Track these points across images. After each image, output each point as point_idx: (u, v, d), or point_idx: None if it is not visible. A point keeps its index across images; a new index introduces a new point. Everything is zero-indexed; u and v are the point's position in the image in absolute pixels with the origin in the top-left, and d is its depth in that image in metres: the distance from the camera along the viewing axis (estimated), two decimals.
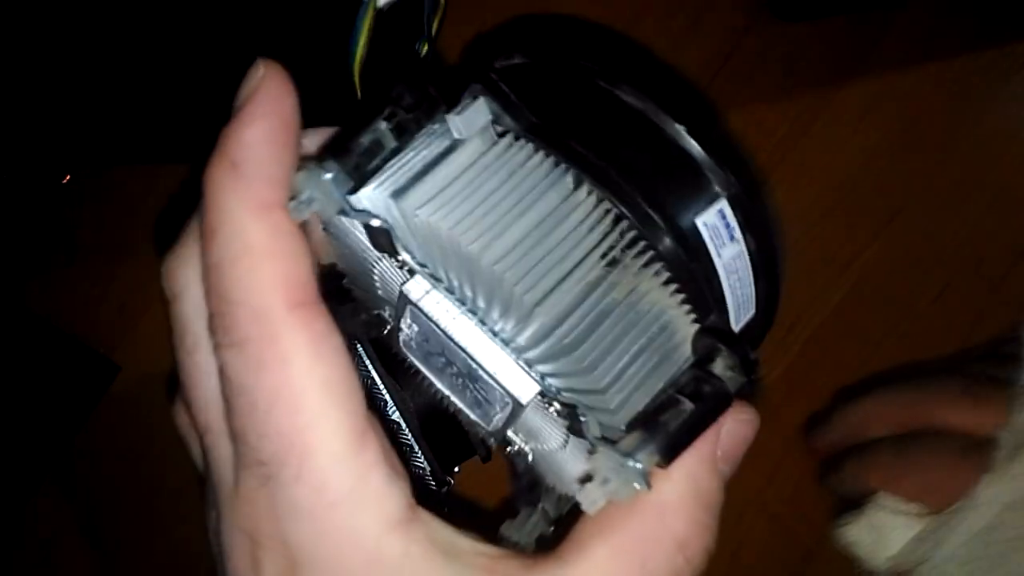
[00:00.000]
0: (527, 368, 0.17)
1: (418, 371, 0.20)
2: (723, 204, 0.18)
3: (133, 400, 0.42)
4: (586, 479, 0.16)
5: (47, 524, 0.42)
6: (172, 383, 0.19)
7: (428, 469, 0.23)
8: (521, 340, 0.17)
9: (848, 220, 0.44)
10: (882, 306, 0.44)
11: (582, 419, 0.16)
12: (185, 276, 0.17)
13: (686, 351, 0.18)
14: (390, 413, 0.22)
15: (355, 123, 0.18)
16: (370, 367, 0.23)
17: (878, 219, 0.44)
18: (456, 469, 0.25)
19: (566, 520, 0.20)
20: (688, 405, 0.16)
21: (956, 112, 0.44)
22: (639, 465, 0.15)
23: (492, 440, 0.20)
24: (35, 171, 0.40)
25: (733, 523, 0.45)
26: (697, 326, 0.18)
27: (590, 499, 0.16)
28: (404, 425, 0.23)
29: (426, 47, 0.32)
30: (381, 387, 0.23)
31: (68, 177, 0.41)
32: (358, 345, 0.23)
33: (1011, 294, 0.44)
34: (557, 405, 0.17)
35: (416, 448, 0.23)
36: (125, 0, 0.35)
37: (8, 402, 0.40)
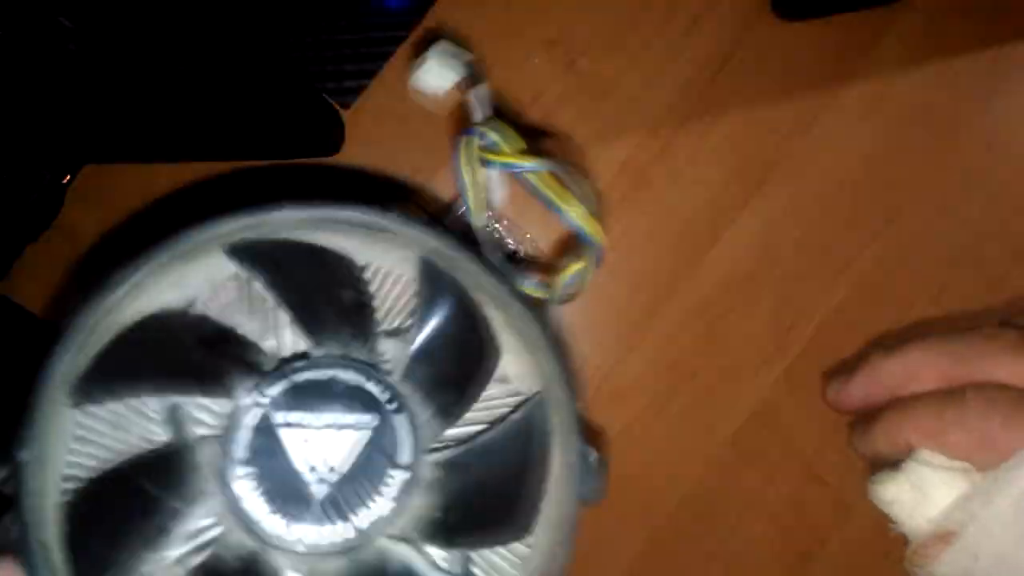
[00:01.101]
0: None
1: None
2: None
3: None
4: None
5: None
6: None
7: None
8: None
9: (848, 220, 0.44)
10: (882, 306, 0.44)
11: None
12: None
13: None
14: None
15: None
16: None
17: (878, 219, 0.44)
18: None
19: None
20: None
21: (956, 112, 0.44)
22: None
23: None
24: (34, 171, 0.40)
25: (733, 523, 0.45)
26: None
27: None
28: None
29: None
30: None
31: (68, 177, 0.41)
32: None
33: (1011, 294, 0.44)
34: None
35: None
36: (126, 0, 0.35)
37: (7, 402, 0.40)
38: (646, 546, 0.45)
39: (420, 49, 0.41)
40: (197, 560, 0.17)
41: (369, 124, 0.43)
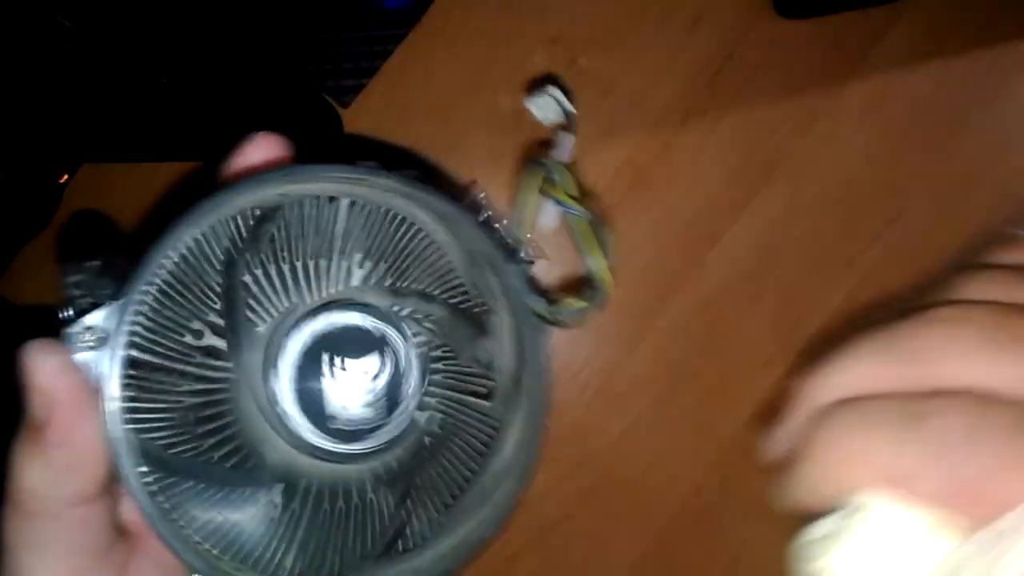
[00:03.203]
0: None
1: None
2: None
3: None
4: None
5: None
6: None
7: None
8: None
9: (848, 220, 0.44)
10: (882, 306, 0.44)
11: None
12: None
13: None
14: None
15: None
16: None
17: (878, 219, 0.44)
18: None
19: None
20: None
21: (956, 112, 0.44)
22: None
23: None
24: (34, 171, 0.40)
25: (735, 524, 0.45)
26: None
27: None
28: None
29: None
30: None
31: (67, 177, 0.41)
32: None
33: None
34: None
35: None
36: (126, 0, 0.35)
37: (6, 400, 0.40)
38: (648, 547, 0.45)
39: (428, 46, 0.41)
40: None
41: (368, 123, 0.43)
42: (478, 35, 0.43)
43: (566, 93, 0.35)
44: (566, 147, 0.33)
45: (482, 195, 0.22)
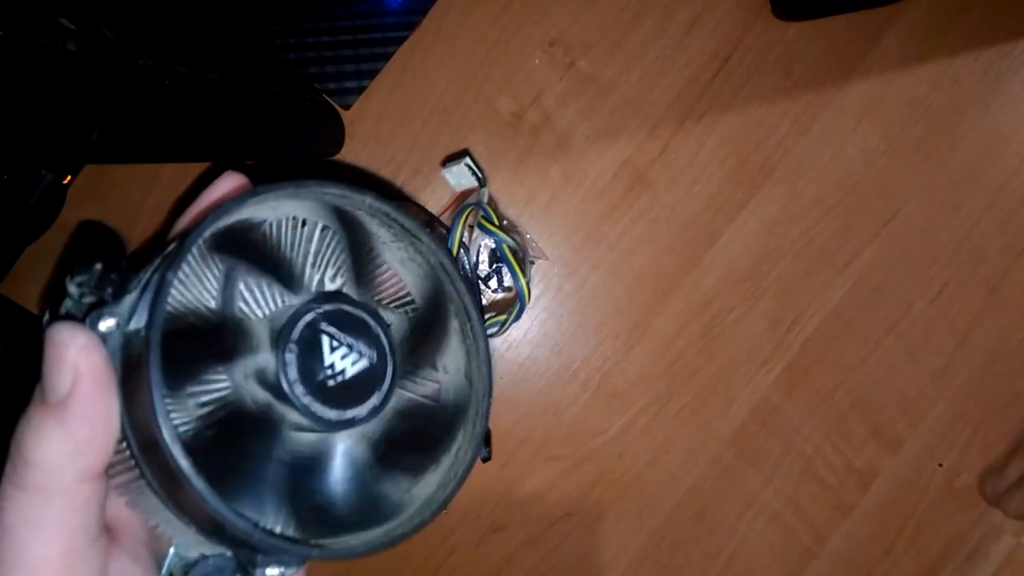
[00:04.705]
0: None
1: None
2: None
3: None
4: None
5: None
6: None
7: None
8: None
9: (847, 220, 0.44)
10: (881, 306, 0.45)
11: None
12: None
13: None
14: None
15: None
16: None
17: (877, 219, 0.44)
18: None
19: None
20: None
21: (955, 112, 0.44)
22: None
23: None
24: (35, 171, 0.40)
25: (733, 523, 0.46)
26: None
27: None
28: None
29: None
30: None
31: (69, 177, 0.41)
32: None
33: (1010, 294, 0.45)
34: None
35: None
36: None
37: (8, 400, 0.40)
38: (646, 545, 0.45)
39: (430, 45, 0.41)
40: (220, 396, 0.22)
41: (369, 124, 0.43)
42: (478, 38, 0.43)
43: (476, 164, 0.42)
44: (484, 195, 0.42)
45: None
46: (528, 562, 0.45)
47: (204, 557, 0.21)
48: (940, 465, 0.45)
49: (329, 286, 0.24)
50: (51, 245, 0.42)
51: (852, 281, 0.45)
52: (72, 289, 0.20)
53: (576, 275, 0.44)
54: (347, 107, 0.43)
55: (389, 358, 0.23)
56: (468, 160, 0.42)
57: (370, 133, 0.43)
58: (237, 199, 0.21)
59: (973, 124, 0.44)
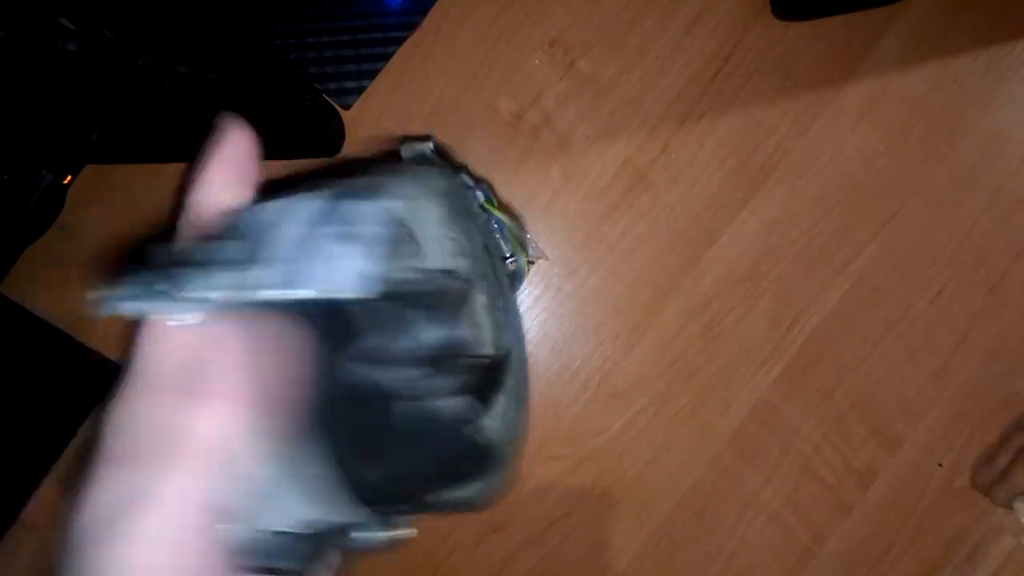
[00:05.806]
0: None
1: None
2: None
3: None
4: None
5: (46, 515, 0.43)
6: None
7: None
8: None
9: (847, 220, 0.44)
10: (880, 306, 0.45)
11: None
12: None
13: None
14: None
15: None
16: None
17: (877, 219, 0.44)
18: None
19: None
20: None
21: (955, 112, 0.44)
22: None
23: None
24: (35, 171, 0.40)
25: (732, 522, 0.46)
26: None
27: None
28: None
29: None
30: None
31: (69, 177, 0.41)
32: None
33: (1009, 294, 0.45)
34: None
35: None
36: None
37: (9, 400, 0.40)
38: (645, 545, 0.45)
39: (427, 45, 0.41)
40: None
41: (369, 124, 0.43)
42: (478, 38, 0.43)
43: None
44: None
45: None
46: (528, 562, 0.45)
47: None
48: (940, 465, 0.45)
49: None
50: (51, 245, 0.42)
51: (851, 281, 0.45)
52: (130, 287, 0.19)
53: (576, 275, 0.44)
54: (347, 107, 0.43)
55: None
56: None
57: (370, 133, 0.43)
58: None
59: (973, 124, 0.44)
